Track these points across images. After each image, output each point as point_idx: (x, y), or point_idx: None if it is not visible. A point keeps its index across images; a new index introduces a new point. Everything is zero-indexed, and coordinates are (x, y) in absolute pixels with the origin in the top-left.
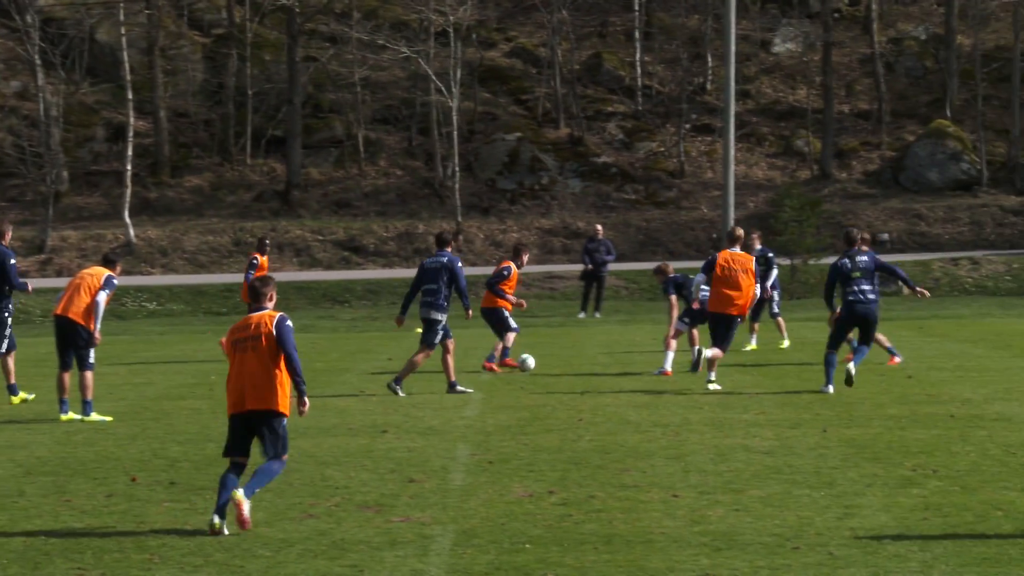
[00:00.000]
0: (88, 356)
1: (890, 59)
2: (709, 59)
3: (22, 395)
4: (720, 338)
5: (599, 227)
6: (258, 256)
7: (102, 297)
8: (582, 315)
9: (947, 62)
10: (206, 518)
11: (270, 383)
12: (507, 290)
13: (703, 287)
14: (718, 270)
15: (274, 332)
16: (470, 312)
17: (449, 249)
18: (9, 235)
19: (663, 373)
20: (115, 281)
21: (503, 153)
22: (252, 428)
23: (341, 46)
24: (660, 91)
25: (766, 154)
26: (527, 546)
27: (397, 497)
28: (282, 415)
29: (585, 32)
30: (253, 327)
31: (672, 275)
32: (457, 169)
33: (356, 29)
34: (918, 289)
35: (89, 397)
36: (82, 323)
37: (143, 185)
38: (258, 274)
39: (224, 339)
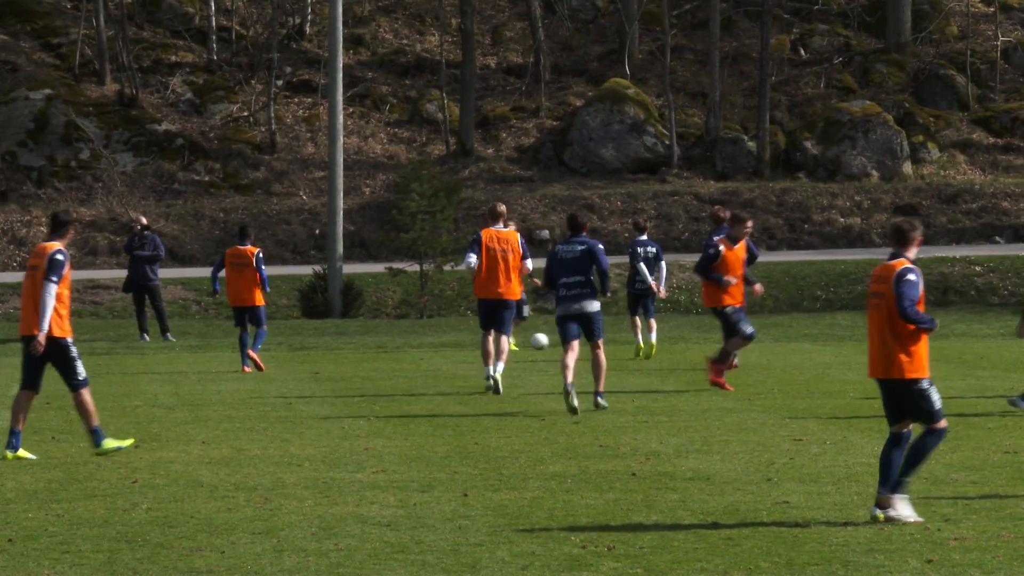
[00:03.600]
0: (74, 370)
1: None
2: None
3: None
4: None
5: (142, 218)
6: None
7: (50, 292)
8: (145, 338)
9: (625, 3)
10: None
11: (892, 349)
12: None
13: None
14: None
15: (892, 290)
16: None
17: (585, 233)
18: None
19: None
20: (61, 258)
21: (26, 117)
22: (894, 395)
23: None
24: (242, 35)
25: (386, 122)
26: None
27: None
28: (915, 380)
29: None
30: (882, 281)
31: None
32: None
33: None
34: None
35: (96, 423)
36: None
37: None
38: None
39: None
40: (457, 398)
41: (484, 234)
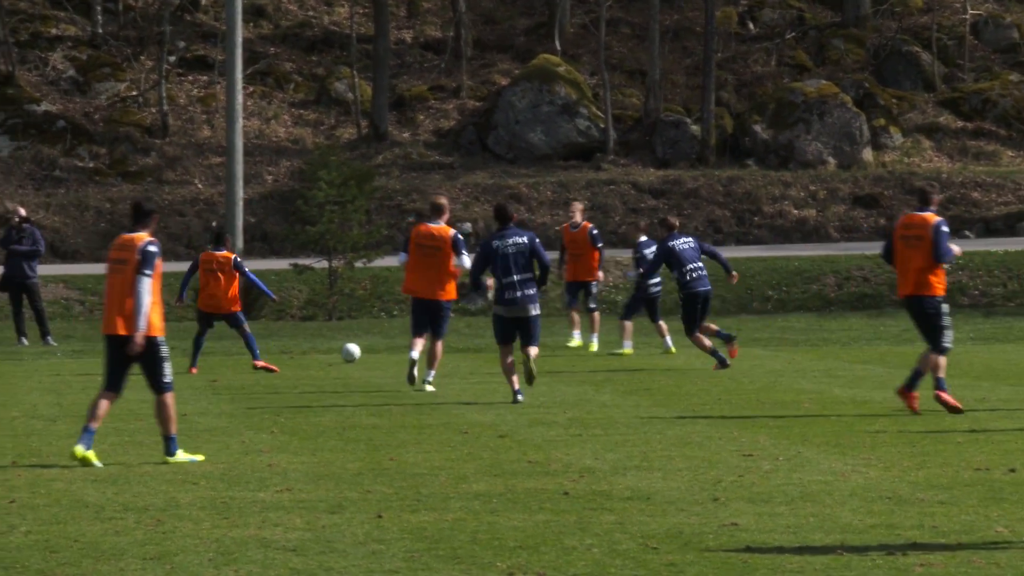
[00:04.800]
0: (162, 371)
1: None
2: None
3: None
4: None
5: (20, 209)
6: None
7: (145, 286)
8: (23, 342)
9: None
10: None
11: None
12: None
13: None
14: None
15: None
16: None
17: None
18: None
19: None
20: (155, 249)
21: None
22: None
23: None
24: (131, 6)
25: (291, 102)
26: None
27: None
28: None
29: None
30: None
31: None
32: None
33: None
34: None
35: (173, 431)
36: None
37: None
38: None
39: None
40: (370, 409)
41: (415, 230)
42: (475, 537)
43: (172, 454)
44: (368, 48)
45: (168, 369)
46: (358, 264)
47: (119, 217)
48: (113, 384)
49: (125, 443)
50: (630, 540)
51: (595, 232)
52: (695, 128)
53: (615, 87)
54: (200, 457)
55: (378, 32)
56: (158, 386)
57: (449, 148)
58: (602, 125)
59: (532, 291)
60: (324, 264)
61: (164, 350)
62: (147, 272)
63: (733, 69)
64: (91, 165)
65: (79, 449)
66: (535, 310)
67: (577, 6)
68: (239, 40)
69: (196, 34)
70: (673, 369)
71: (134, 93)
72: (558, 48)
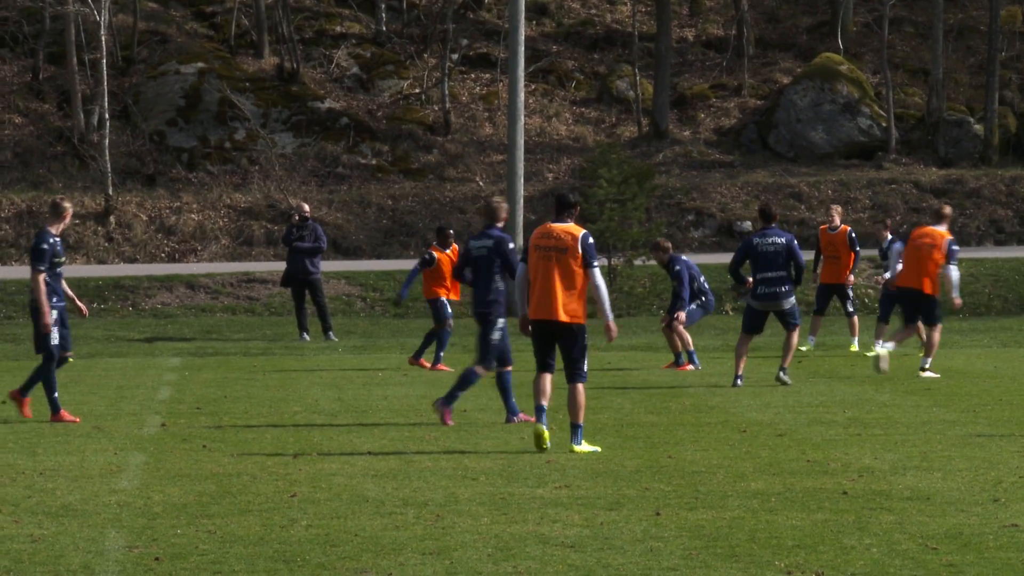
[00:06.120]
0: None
1: None
2: None
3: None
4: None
5: (304, 204)
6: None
7: (600, 276)
8: (305, 337)
9: None
10: None
11: None
12: None
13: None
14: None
15: None
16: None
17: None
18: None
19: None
20: (593, 241)
21: (177, 94)
22: None
23: None
24: (414, 4)
25: (572, 100)
26: None
27: None
28: None
29: None
30: None
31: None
32: (107, 116)
33: None
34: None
35: (580, 420)
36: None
37: None
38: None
39: None
40: (648, 406)
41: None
42: (753, 536)
43: (578, 443)
44: (650, 46)
45: (586, 359)
46: (637, 262)
47: (401, 214)
48: (547, 365)
49: (405, 438)
50: (909, 540)
51: (853, 235)
52: (978, 127)
53: (897, 86)
54: (598, 448)
55: (660, 30)
56: (575, 375)
57: (730, 146)
58: (884, 124)
59: (786, 287)
60: (603, 262)
61: (586, 340)
62: (596, 264)
63: (1017, 68)
64: (373, 162)
65: (539, 427)
66: (788, 304)
67: (860, 4)
68: (522, 38)
69: (479, 32)
70: (953, 370)
71: (417, 91)
72: (840, 47)
